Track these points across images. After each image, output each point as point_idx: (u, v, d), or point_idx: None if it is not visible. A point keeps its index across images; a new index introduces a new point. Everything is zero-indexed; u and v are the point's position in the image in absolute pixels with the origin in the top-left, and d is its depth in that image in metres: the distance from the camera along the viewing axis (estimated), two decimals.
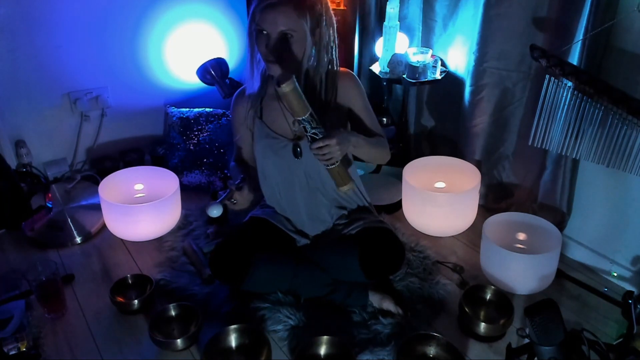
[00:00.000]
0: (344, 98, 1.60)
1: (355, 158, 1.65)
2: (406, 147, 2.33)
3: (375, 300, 1.61)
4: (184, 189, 2.16)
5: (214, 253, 1.64)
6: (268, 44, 1.45)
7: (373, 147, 1.58)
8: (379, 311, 1.60)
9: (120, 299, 1.65)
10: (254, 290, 1.64)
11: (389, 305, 1.60)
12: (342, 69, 1.61)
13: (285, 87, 1.34)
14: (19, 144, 2.20)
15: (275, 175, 1.66)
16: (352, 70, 2.26)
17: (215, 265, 1.62)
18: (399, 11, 2.09)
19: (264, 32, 1.44)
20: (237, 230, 1.71)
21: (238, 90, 1.69)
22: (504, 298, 1.60)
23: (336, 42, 1.56)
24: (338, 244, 1.66)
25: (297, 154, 1.59)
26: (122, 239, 1.97)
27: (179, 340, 1.48)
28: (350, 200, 1.72)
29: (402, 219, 2.00)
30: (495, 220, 1.78)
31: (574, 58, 1.60)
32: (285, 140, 1.60)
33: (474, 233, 1.95)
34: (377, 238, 1.63)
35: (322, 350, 1.46)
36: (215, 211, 1.43)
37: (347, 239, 1.66)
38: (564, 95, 1.46)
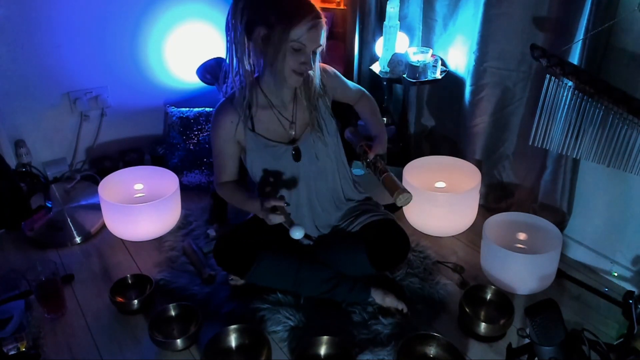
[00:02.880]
0: (327, 89, 1.65)
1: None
2: (406, 147, 2.32)
3: (378, 296, 1.61)
4: (184, 188, 2.16)
5: (219, 242, 1.64)
6: (305, 60, 1.46)
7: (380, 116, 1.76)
8: (380, 311, 1.60)
9: (120, 299, 1.65)
10: (257, 283, 1.64)
11: (392, 301, 1.60)
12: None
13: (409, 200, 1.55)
14: (18, 144, 2.20)
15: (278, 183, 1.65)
16: (352, 70, 2.27)
17: (219, 255, 1.63)
18: (399, 11, 2.09)
19: (301, 49, 1.45)
20: (242, 224, 1.71)
21: (219, 104, 1.59)
22: (505, 298, 1.60)
23: None
24: (345, 242, 1.67)
25: (296, 158, 1.60)
26: (121, 239, 1.97)
27: (178, 340, 1.47)
28: (350, 196, 1.75)
29: (402, 218, 2.00)
30: (496, 220, 1.78)
31: (575, 58, 1.60)
32: (283, 145, 1.60)
33: (474, 233, 1.95)
34: (381, 231, 1.64)
35: (322, 351, 1.46)
36: (298, 233, 1.44)
37: (353, 236, 1.68)
38: (565, 95, 1.46)
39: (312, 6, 1.43)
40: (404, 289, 1.68)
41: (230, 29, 1.46)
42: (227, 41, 1.48)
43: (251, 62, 1.50)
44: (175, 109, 2.38)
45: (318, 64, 1.53)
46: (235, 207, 1.69)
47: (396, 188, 1.54)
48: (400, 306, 1.60)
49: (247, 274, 1.60)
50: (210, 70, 2.36)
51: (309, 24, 1.40)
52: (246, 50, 1.47)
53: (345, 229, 1.71)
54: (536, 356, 1.24)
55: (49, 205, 2.04)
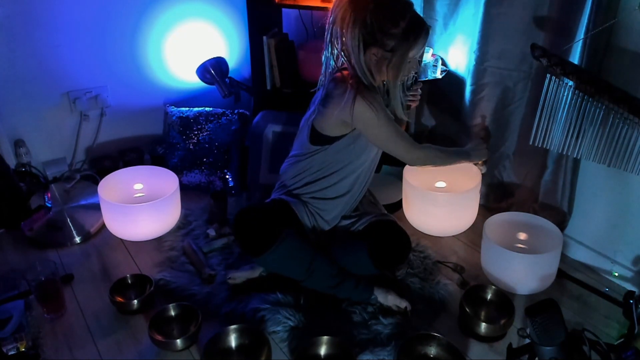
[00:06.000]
0: None
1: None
2: None
3: (381, 294, 1.62)
4: (184, 188, 2.16)
5: (241, 212, 1.60)
6: (414, 66, 1.55)
7: None
8: (380, 311, 1.60)
9: (120, 299, 1.64)
10: (269, 266, 1.64)
11: (394, 299, 1.61)
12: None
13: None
14: (18, 144, 2.20)
15: (358, 159, 1.64)
16: None
17: (241, 226, 1.58)
18: None
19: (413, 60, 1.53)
20: (264, 203, 1.71)
21: (354, 91, 1.51)
22: (505, 298, 1.60)
23: None
24: (348, 241, 1.68)
25: None
26: (121, 239, 1.97)
27: (178, 341, 1.47)
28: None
29: (403, 218, 1.99)
30: (496, 220, 1.78)
31: (575, 57, 1.59)
32: None
33: (474, 233, 1.95)
34: (383, 232, 1.65)
35: (322, 351, 1.46)
36: (484, 168, 1.81)
37: (356, 236, 1.69)
38: (565, 94, 1.46)
39: (422, 21, 1.48)
40: (406, 289, 1.69)
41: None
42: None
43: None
44: (175, 108, 2.38)
45: None
46: (442, 164, 1.75)
47: None
48: (404, 304, 1.60)
49: (270, 250, 1.54)
50: (210, 70, 2.36)
51: (423, 42, 1.49)
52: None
53: (349, 229, 1.72)
54: (537, 356, 1.24)
55: (49, 205, 2.04)
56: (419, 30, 1.46)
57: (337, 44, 1.52)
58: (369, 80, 1.53)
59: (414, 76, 1.69)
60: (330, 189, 1.66)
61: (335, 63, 1.58)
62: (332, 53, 1.56)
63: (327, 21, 1.52)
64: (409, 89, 1.69)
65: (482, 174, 1.84)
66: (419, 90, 1.73)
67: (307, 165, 1.65)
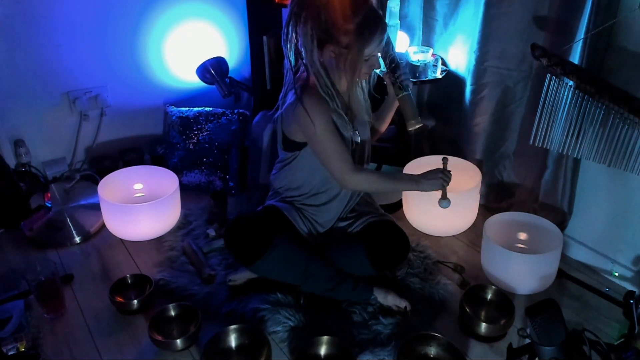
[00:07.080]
0: None
1: None
2: (406, 147, 2.32)
3: (380, 295, 1.62)
4: (184, 188, 2.16)
5: (233, 222, 1.61)
6: (374, 63, 1.50)
7: None
8: (380, 311, 1.60)
9: (120, 299, 1.64)
10: (263, 274, 1.63)
11: (394, 299, 1.61)
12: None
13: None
14: (18, 143, 2.20)
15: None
16: None
17: (233, 236, 1.58)
18: (400, 10, 2.09)
19: (372, 57, 1.48)
20: (256, 211, 1.69)
21: (301, 96, 1.48)
22: (505, 298, 1.60)
23: None
24: (345, 242, 1.67)
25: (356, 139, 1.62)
26: (121, 239, 1.97)
27: (178, 341, 1.47)
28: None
29: (403, 218, 1.99)
30: (496, 220, 1.78)
31: (575, 57, 1.59)
32: (351, 127, 1.60)
33: (474, 233, 1.95)
34: (381, 232, 1.64)
35: (322, 351, 1.46)
36: (445, 203, 1.57)
37: (353, 237, 1.68)
38: (565, 94, 1.46)
39: (378, 17, 1.44)
40: (406, 289, 1.69)
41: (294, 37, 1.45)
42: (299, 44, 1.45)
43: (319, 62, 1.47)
44: (175, 108, 2.38)
45: None
46: (382, 190, 1.80)
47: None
48: (404, 304, 1.60)
49: (262, 258, 1.54)
50: (210, 69, 2.36)
51: (380, 38, 1.44)
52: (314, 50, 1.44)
53: (346, 230, 1.71)
54: (537, 356, 1.24)
55: (49, 205, 2.04)
56: (374, 27, 1.41)
57: (293, 41, 1.46)
58: (324, 82, 1.47)
59: (391, 59, 1.58)
60: (318, 196, 1.65)
61: (292, 63, 1.50)
62: (288, 52, 1.49)
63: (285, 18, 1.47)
64: (393, 71, 1.56)
65: (443, 208, 1.58)
66: (403, 69, 1.58)
67: (290, 173, 1.64)
